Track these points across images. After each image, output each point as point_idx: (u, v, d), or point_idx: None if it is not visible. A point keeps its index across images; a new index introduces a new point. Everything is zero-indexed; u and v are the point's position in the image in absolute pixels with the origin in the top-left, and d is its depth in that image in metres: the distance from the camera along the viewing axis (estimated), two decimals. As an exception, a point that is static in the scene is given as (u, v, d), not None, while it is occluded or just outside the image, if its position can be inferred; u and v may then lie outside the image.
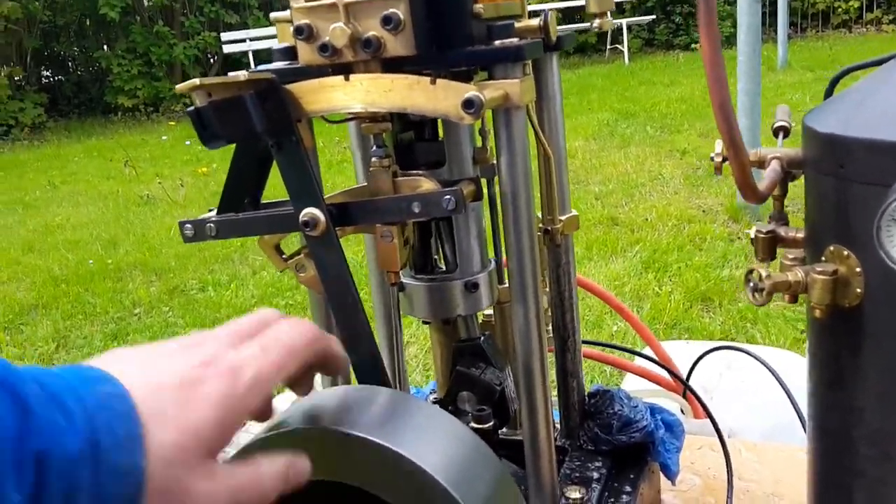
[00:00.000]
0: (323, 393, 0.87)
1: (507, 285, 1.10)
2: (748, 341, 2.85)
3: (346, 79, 0.88)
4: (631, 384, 1.55)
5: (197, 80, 0.79)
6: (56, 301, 4.05)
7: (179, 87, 0.79)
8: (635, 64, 11.99)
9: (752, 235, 0.90)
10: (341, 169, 6.46)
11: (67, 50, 14.01)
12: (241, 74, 0.84)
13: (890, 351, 0.77)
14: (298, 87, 0.90)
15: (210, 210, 1.03)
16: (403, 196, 0.90)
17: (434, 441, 0.73)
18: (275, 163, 0.91)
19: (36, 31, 12.83)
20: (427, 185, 0.93)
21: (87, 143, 10.21)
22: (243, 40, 11.53)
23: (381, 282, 1.09)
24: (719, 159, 0.86)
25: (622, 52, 12.67)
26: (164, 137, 9.70)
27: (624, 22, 12.77)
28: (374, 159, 0.93)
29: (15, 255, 5.09)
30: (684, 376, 1.44)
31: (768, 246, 0.89)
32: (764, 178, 0.80)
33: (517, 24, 0.94)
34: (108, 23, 12.58)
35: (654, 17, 13.58)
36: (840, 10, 14.07)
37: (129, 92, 12.40)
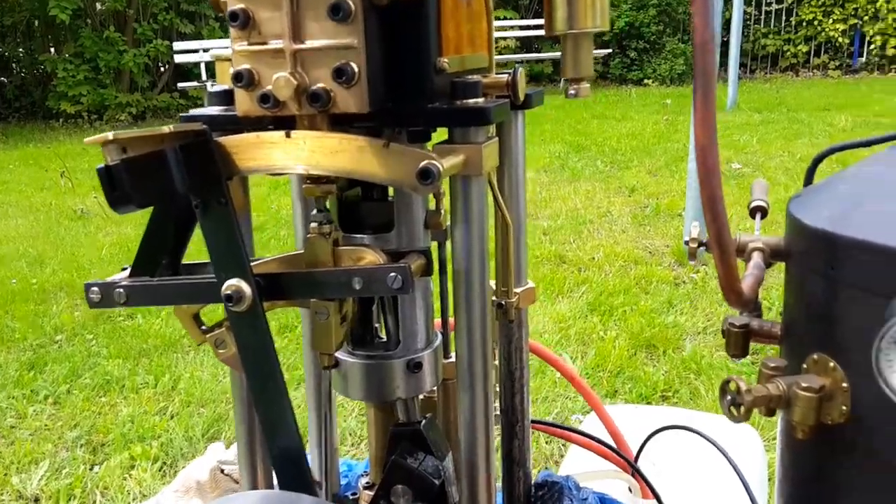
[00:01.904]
0: (237, 500, 0.77)
1: (452, 360, 1.01)
2: (692, 394, 2.79)
3: (288, 135, 0.78)
4: (577, 455, 1.46)
5: (109, 134, 0.68)
6: (-29, 325, 3.82)
7: (89, 140, 0.68)
8: (588, 97, 12.09)
9: (724, 328, 0.82)
10: (287, 190, 6.31)
11: (12, 51, 13.56)
12: (166, 128, 0.74)
13: (878, 471, 0.70)
14: (232, 142, 0.80)
15: (123, 269, 0.92)
16: (344, 270, 0.81)
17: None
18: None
19: (-21, 30, 12.42)
20: (370, 256, 0.83)
21: (24, 149, 9.84)
22: (196, 51, 11.27)
23: (314, 359, 0.98)
24: (695, 245, 0.79)
25: (576, 84, 12.76)
26: (106, 147, 9.40)
27: (579, 55, 12.84)
28: (313, 224, 0.83)
29: (-68, 268, 4.83)
30: (632, 448, 1.37)
31: (741, 341, 0.81)
32: (746, 276, 0.72)
33: (483, 80, 0.86)
34: (58, 25, 12.21)
35: (609, 50, 13.73)
36: (788, 53, 14.43)
37: (72, 98, 12.02)
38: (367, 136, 0.83)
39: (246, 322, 0.80)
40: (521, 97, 0.90)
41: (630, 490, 1.30)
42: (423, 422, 0.93)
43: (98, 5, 12.86)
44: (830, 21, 14.09)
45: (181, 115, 0.89)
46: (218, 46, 11.44)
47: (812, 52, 14.42)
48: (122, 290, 0.84)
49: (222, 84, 0.91)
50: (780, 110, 9.77)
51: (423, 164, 0.73)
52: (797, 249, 0.74)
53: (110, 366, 3.24)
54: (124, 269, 0.90)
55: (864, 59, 14.30)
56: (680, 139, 7.92)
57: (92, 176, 7.72)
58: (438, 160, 0.74)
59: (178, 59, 11.38)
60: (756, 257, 0.72)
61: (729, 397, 0.68)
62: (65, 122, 12.02)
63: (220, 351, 0.85)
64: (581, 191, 6.10)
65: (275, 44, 0.76)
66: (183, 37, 12.50)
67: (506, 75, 0.89)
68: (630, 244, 4.61)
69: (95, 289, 0.85)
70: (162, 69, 13.33)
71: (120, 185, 0.70)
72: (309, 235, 0.84)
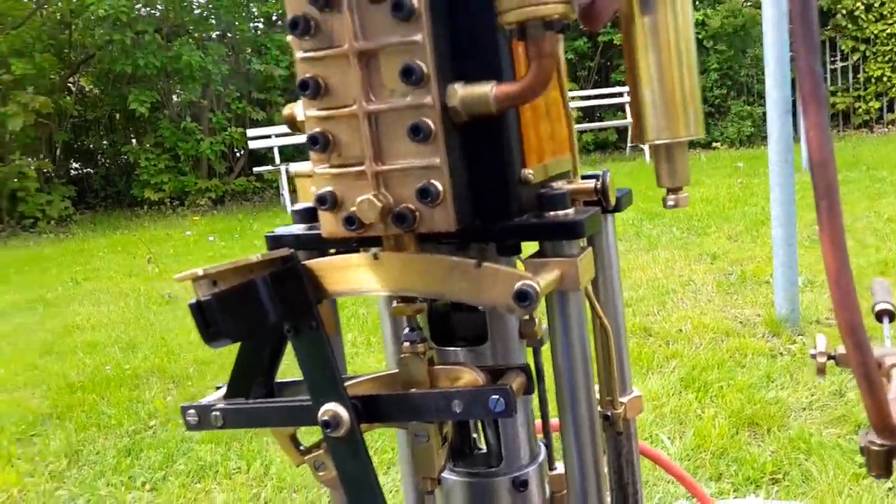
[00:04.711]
0: None
1: (558, 471, 0.95)
2: (803, 476, 2.63)
3: (375, 258, 0.76)
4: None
5: (200, 270, 0.67)
6: (70, 411, 3.90)
7: (179, 276, 0.67)
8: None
9: (863, 445, 0.75)
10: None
11: (96, 143, 14.26)
12: (254, 257, 0.72)
13: None
14: (319, 266, 0.78)
15: (217, 387, 0.90)
16: (443, 392, 0.77)
17: None
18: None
19: (66, 125, 13.10)
20: (468, 376, 0.79)
21: (111, 237, 10.23)
22: (269, 136, 11.67)
23: (414, 483, 0.94)
24: (823, 360, 0.72)
25: (643, 149, 12.67)
26: (188, 233, 9.70)
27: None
28: (406, 344, 0.80)
29: (32, 358, 4.97)
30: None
31: (884, 461, 0.73)
32: (891, 401, 0.66)
33: (570, 187, 0.83)
34: (138, 118, 12.83)
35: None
36: (860, 110, 14.08)
37: (155, 185, 12.54)
38: (456, 252, 0.80)
39: (344, 447, 0.77)
40: (612, 202, 0.86)
41: None
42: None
43: (174, 97, 13.48)
44: (900, 76, 13.74)
45: (266, 234, 0.88)
46: (289, 133, 11.72)
47: (885, 108, 14.05)
48: (218, 412, 0.83)
49: (304, 201, 0.90)
50: (860, 168, 9.47)
51: (518, 285, 0.70)
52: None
53: (203, 451, 3.27)
54: (218, 387, 0.88)
55: (940, 113, 13.87)
56: (757, 202, 7.73)
57: (177, 260, 7.97)
58: (534, 280, 0.70)
59: (252, 144, 11.81)
60: (896, 375, 0.65)
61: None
62: (149, 209, 12.51)
63: (320, 473, 0.82)
64: (660, 259, 5.97)
65: (357, 166, 0.75)
66: (255, 123, 12.97)
67: (593, 180, 0.86)
68: (718, 314, 4.46)
69: (192, 411, 0.84)
70: (237, 155, 13.80)
71: (213, 321, 0.68)
72: (403, 355, 0.81)
